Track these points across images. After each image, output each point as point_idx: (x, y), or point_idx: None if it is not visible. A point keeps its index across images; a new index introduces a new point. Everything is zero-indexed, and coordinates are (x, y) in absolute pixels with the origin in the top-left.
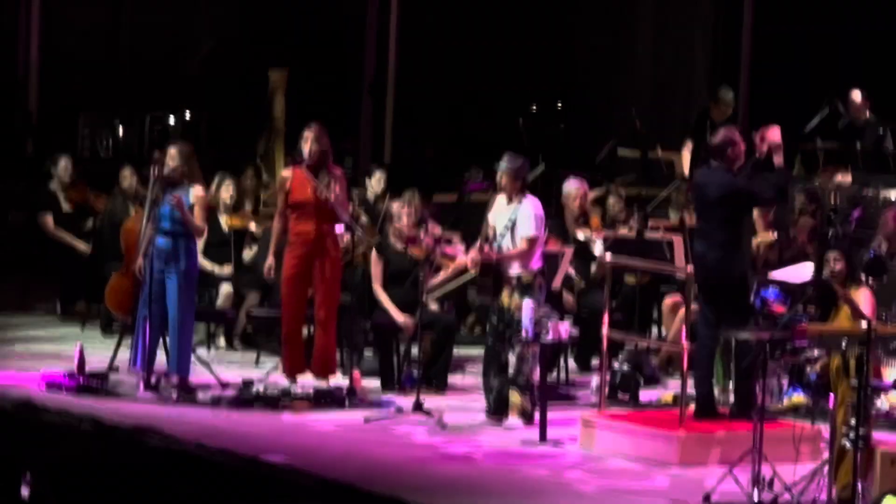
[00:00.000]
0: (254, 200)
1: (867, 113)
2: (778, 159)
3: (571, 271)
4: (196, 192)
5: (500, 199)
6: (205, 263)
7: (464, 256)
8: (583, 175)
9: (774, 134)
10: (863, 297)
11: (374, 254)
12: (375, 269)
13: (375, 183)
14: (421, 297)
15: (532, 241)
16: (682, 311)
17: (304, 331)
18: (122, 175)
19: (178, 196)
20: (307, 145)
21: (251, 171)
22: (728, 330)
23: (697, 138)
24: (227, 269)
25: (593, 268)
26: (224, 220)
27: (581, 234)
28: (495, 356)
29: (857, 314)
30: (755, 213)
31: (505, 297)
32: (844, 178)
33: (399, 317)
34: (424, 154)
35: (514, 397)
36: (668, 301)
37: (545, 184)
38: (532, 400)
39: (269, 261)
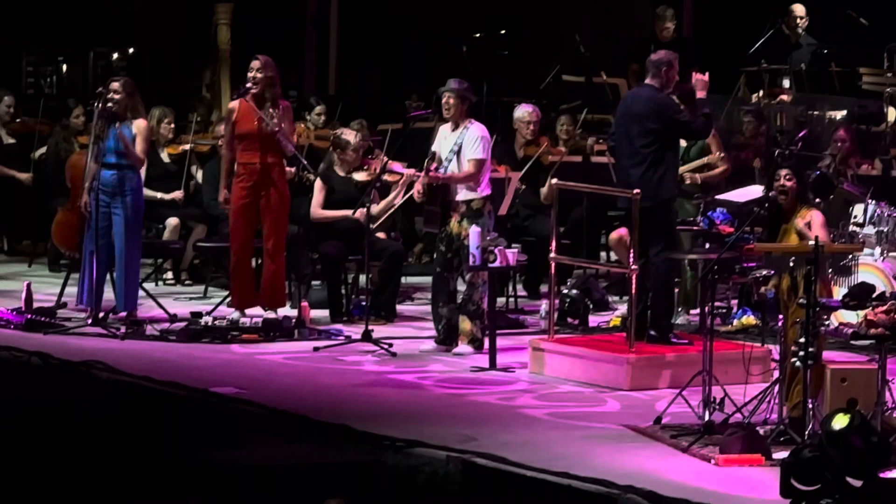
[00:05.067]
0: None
1: (801, 30)
2: (701, 94)
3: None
4: (138, 125)
5: (445, 129)
6: (151, 193)
7: (409, 171)
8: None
9: (702, 75)
10: (817, 221)
11: (318, 181)
12: (318, 195)
13: (316, 116)
14: (367, 219)
15: (479, 164)
16: (628, 236)
17: (252, 262)
18: (74, 113)
19: (121, 131)
20: (253, 76)
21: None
22: (648, 251)
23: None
24: (177, 194)
25: (543, 192)
26: (164, 154)
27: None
28: (444, 284)
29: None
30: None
31: (453, 223)
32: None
33: (351, 214)
34: (369, 84)
35: (464, 324)
36: (615, 235)
37: (489, 111)
38: (482, 327)
39: (223, 193)
